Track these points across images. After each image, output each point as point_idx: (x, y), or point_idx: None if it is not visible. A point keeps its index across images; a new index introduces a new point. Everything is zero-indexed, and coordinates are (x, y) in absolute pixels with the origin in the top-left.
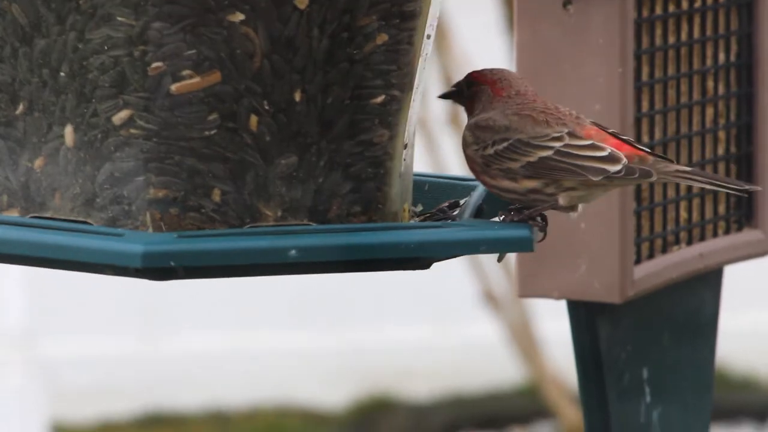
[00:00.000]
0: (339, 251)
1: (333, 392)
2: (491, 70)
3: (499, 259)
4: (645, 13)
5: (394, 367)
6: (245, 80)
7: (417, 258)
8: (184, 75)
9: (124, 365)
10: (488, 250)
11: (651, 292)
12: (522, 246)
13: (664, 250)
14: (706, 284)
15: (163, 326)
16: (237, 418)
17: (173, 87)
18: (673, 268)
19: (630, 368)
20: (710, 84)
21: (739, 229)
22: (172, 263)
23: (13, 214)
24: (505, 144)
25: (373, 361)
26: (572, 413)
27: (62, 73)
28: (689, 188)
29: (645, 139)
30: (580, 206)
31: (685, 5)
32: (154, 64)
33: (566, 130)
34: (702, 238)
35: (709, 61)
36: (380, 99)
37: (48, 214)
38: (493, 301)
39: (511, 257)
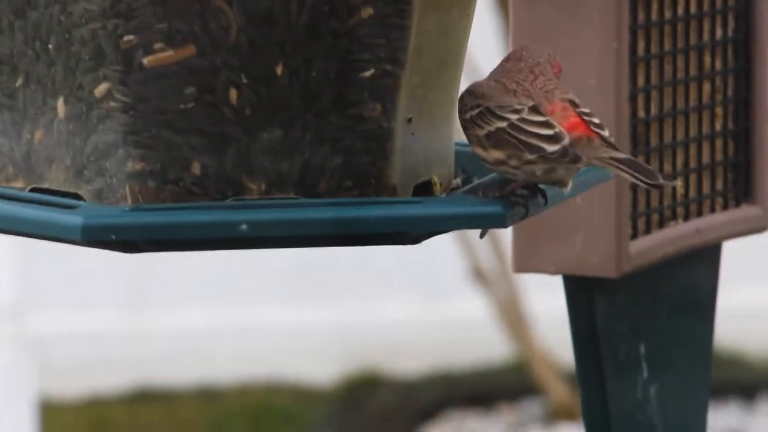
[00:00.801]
0: (292, 226)
1: (322, 368)
2: (523, 45)
3: (481, 236)
4: None
5: (382, 344)
6: (221, 54)
7: (397, 233)
8: (156, 48)
9: (113, 341)
10: (457, 226)
11: (648, 267)
12: (494, 222)
13: (661, 225)
14: (704, 259)
15: (153, 302)
16: (227, 395)
17: (145, 60)
18: (670, 243)
19: (627, 344)
20: (707, 59)
21: (737, 204)
22: (113, 237)
23: (18, 185)
24: (476, 110)
25: (362, 337)
26: (561, 390)
27: (50, 46)
28: (686, 163)
29: (641, 114)
30: (570, 182)
31: None
32: (126, 38)
33: (531, 104)
34: (699, 214)
35: (706, 37)
36: (369, 73)
37: (45, 186)
38: (481, 278)
39: (506, 233)
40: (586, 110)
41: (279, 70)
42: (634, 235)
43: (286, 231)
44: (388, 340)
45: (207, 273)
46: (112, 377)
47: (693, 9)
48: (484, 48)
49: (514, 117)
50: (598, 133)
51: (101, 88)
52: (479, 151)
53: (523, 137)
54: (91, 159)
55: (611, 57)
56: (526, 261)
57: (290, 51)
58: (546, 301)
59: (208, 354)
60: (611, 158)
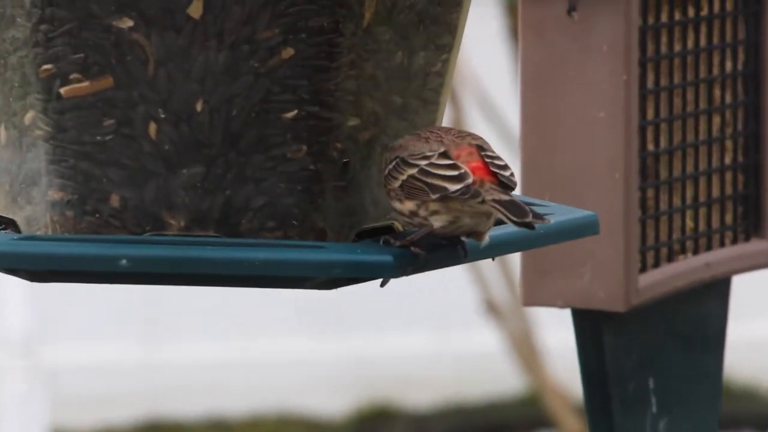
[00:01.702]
0: (175, 264)
1: (334, 401)
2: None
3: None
4: (650, 20)
5: (395, 376)
6: (139, 87)
7: (300, 278)
8: (72, 78)
9: (125, 373)
10: (344, 273)
11: (657, 301)
12: (383, 271)
13: (670, 259)
14: (713, 294)
15: (165, 334)
16: (238, 427)
17: (62, 90)
18: (679, 277)
19: (636, 378)
20: (717, 92)
21: (746, 239)
22: None
23: None
24: (392, 163)
25: (375, 369)
26: (573, 423)
27: None
28: (696, 196)
29: (650, 147)
30: (488, 236)
31: (691, 13)
32: (44, 67)
33: (441, 150)
34: (709, 248)
35: (715, 70)
36: (291, 114)
37: None
38: (494, 311)
39: (516, 265)
40: (492, 153)
41: (199, 106)
42: (643, 269)
43: (166, 268)
44: (401, 372)
45: (218, 306)
46: (124, 409)
47: (703, 42)
48: (497, 78)
49: (423, 163)
50: (496, 176)
51: (29, 116)
52: (397, 204)
53: (430, 180)
54: (23, 186)
55: (621, 89)
56: (535, 294)
57: (210, 88)
58: (559, 334)
59: (220, 386)
60: (492, 200)
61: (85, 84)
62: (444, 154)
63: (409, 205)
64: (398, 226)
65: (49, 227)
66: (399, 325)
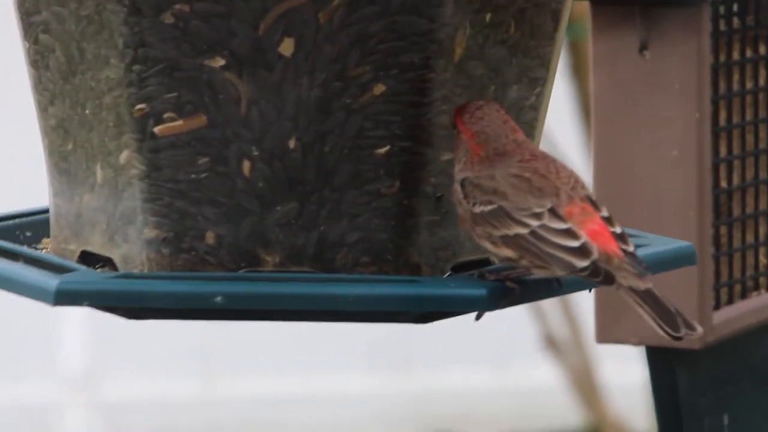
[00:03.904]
0: (270, 300)
1: None
2: (471, 115)
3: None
4: (722, 58)
5: (455, 411)
6: (232, 125)
7: (396, 312)
8: (166, 118)
9: (184, 408)
10: (438, 307)
11: (731, 337)
12: (476, 305)
13: (744, 295)
14: None
15: (225, 369)
16: None
17: (156, 129)
18: (753, 313)
19: (710, 415)
20: None
21: None
22: (86, 303)
23: (71, 247)
24: (489, 208)
25: (435, 404)
26: None
27: (87, 111)
28: None
29: (723, 184)
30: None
31: (762, 50)
32: (138, 106)
33: (549, 206)
34: None
35: None
36: (384, 149)
37: (89, 249)
38: (554, 346)
39: (580, 301)
40: (607, 213)
41: (292, 143)
42: (717, 306)
43: (261, 305)
44: (462, 407)
45: (277, 341)
46: None
47: None
48: (557, 115)
49: (534, 224)
50: (622, 248)
51: (124, 155)
52: (488, 245)
53: (549, 249)
54: (119, 224)
55: (693, 127)
56: (609, 332)
57: (303, 125)
58: (619, 369)
59: (280, 422)
60: (630, 288)
61: (179, 123)
62: (554, 213)
63: (507, 252)
64: (494, 259)
65: (146, 265)
66: (459, 360)
